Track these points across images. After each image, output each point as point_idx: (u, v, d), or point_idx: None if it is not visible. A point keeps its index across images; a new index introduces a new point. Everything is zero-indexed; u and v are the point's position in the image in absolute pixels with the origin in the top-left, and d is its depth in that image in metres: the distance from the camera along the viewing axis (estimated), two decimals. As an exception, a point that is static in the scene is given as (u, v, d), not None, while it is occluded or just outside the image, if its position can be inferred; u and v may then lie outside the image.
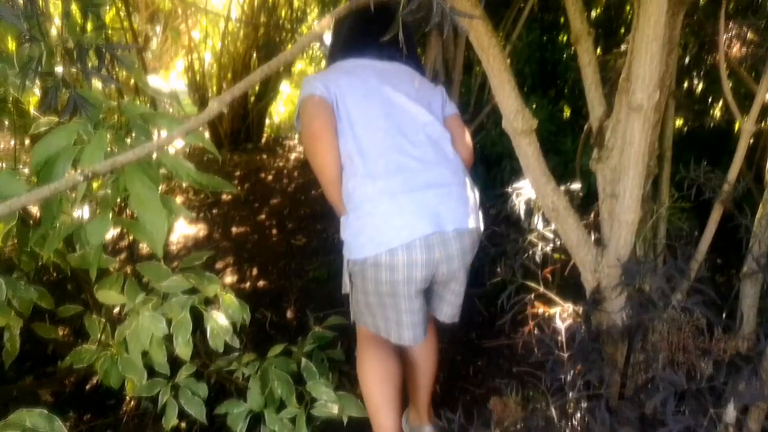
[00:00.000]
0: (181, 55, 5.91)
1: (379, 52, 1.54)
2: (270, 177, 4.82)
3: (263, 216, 3.81)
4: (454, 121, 1.61)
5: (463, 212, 1.44)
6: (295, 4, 5.46)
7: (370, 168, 1.40)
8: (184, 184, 4.47)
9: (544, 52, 3.24)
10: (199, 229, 3.62)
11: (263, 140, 6.34)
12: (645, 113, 1.11)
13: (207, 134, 6.10)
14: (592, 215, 1.44)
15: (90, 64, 0.95)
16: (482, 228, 1.52)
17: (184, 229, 3.60)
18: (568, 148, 3.11)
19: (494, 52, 1.15)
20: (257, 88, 6.05)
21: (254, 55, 5.83)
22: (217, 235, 3.52)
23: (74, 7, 1.14)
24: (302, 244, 3.35)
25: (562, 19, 3.35)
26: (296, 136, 6.66)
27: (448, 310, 1.57)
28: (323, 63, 5.40)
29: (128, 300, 1.45)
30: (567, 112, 3.45)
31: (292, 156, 5.63)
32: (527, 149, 1.24)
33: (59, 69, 1.00)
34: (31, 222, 1.52)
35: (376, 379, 1.58)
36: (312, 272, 2.96)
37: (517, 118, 1.20)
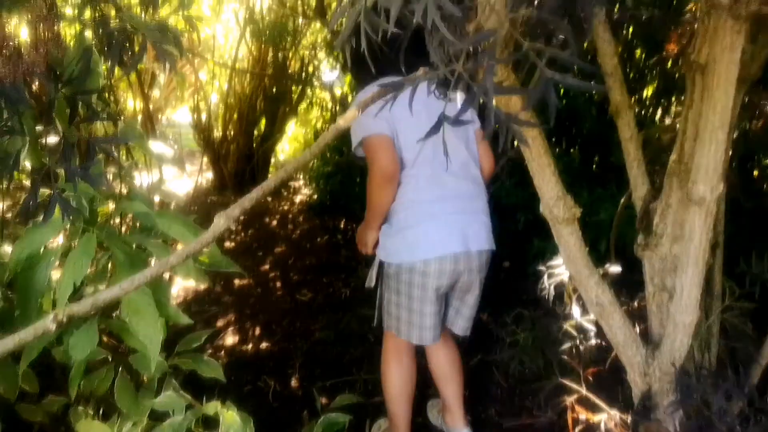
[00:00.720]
0: (187, 96, 5.87)
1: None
2: (274, 222, 4.70)
3: (267, 266, 3.67)
4: (479, 133, 1.81)
5: (484, 236, 1.74)
6: (303, 47, 5.42)
7: (417, 194, 1.66)
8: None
9: (558, 95, 3.15)
10: (200, 281, 3.48)
11: (268, 181, 6.23)
12: (707, 207, 0.98)
13: (211, 175, 6.01)
14: (636, 303, 1.30)
15: (77, 160, 0.83)
16: (494, 247, 1.78)
17: (184, 281, 3.46)
18: (585, 201, 2.98)
19: (534, 134, 1.03)
20: (263, 128, 5.98)
21: (261, 96, 5.79)
22: (219, 287, 3.38)
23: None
24: (307, 299, 3.20)
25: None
26: (301, 177, 6.57)
27: (463, 323, 1.85)
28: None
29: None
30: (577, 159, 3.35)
31: (297, 199, 5.51)
32: (569, 239, 1.11)
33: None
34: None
35: (396, 382, 1.87)
36: (318, 333, 2.80)
37: (558, 205, 1.08)
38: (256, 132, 5.95)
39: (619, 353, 1.18)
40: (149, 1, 1.11)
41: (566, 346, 1.31)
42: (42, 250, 0.89)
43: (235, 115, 5.75)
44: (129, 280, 0.57)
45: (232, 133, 5.82)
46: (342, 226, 4.47)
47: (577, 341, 1.32)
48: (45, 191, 0.82)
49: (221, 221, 0.63)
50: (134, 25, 0.86)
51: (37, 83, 0.83)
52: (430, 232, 1.64)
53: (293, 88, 5.88)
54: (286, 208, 5.15)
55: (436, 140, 1.48)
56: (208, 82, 5.88)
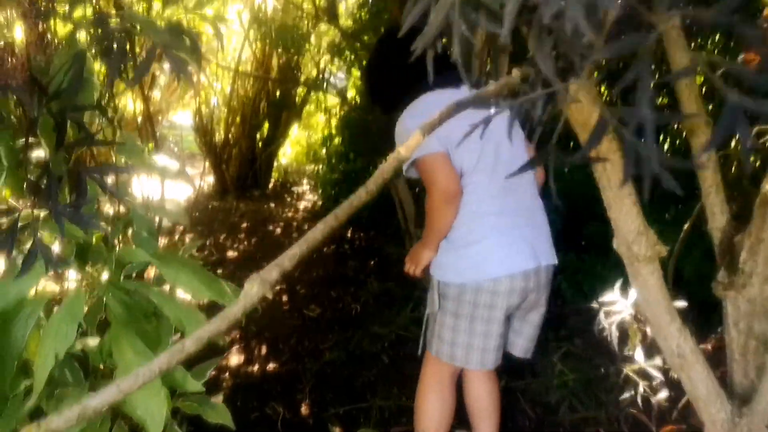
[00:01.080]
0: (188, 99, 5.71)
1: (457, 79, 1.51)
2: (278, 230, 4.53)
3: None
4: (527, 142, 1.69)
5: (550, 249, 1.61)
6: (309, 49, 5.25)
7: (480, 207, 1.52)
8: (187, 238, 4.18)
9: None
10: (202, 294, 3.30)
11: (270, 186, 6.08)
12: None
13: (212, 179, 5.84)
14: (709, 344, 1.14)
15: (67, 196, 0.67)
16: (557, 262, 1.64)
17: (185, 294, 3.29)
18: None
19: (615, 158, 0.87)
20: (266, 132, 5.82)
21: (264, 99, 5.62)
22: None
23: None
24: (316, 315, 3.03)
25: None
26: (304, 182, 6.41)
27: (524, 343, 1.67)
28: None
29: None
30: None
31: (301, 205, 5.35)
32: (649, 279, 0.95)
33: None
34: None
35: (435, 415, 1.69)
36: (328, 353, 2.63)
37: (638, 242, 0.91)
38: (258, 136, 5.79)
39: (699, 409, 1.02)
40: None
41: (629, 394, 1.15)
42: (20, 301, 0.73)
43: (238, 119, 5.59)
44: (132, 376, 0.41)
45: (234, 136, 5.66)
46: (349, 235, 4.30)
47: (643, 388, 1.15)
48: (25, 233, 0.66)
49: (254, 288, 0.47)
50: (139, 25, 0.70)
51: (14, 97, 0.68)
52: (498, 248, 1.50)
53: (298, 91, 5.72)
54: (290, 214, 4.98)
55: (495, 150, 1.53)
56: (210, 84, 5.71)
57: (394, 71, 1.59)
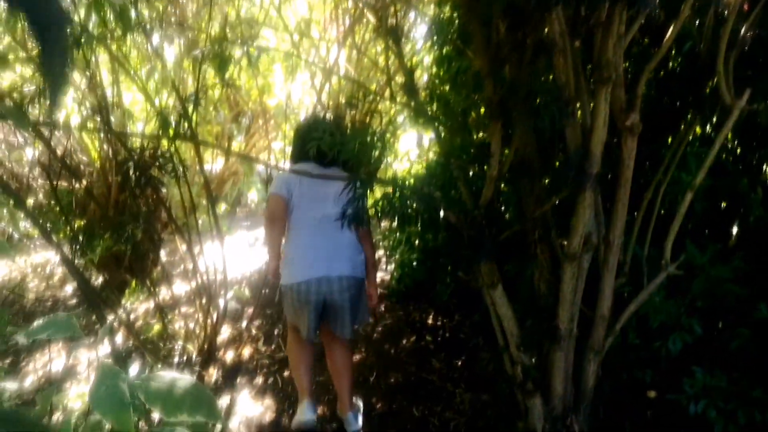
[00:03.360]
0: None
1: (321, 159, 2.41)
2: (352, 313, 4.09)
3: (344, 386, 3.04)
4: (363, 231, 2.56)
5: (344, 266, 2.46)
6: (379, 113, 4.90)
7: (298, 234, 2.51)
8: (253, 330, 3.83)
9: (718, 179, 2.36)
10: (265, 407, 2.90)
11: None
12: None
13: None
14: None
15: None
16: (359, 275, 2.52)
17: (246, 406, 2.89)
18: (763, 315, 2.18)
19: None
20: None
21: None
22: (286, 418, 2.78)
23: None
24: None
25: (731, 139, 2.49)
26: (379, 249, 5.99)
27: (341, 329, 2.54)
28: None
29: None
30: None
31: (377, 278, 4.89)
32: None
33: None
34: None
35: (296, 356, 2.69)
36: None
37: None
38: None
39: None
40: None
41: None
42: None
43: (310, 182, 5.29)
44: None
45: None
46: (430, 321, 3.80)
47: None
48: None
49: None
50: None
51: None
52: (303, 263, 2.46)
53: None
54: (365, 291, 4.54)
55: (315, 201, 2.48)
56: (281, 149, 5.49)
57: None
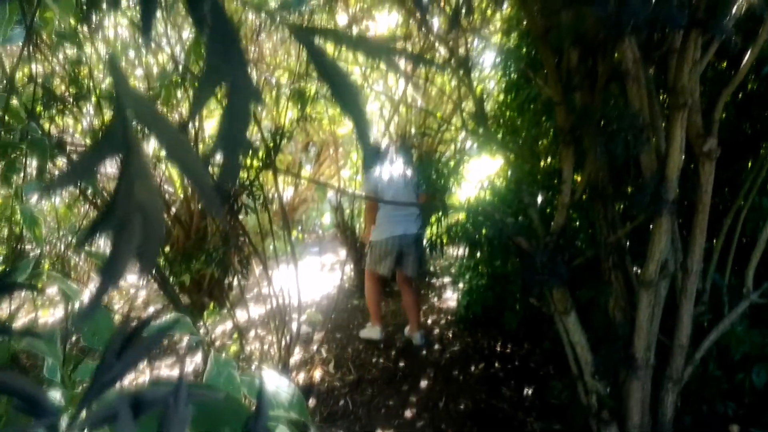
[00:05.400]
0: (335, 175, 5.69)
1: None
2: (420, 338, 4.12)
3: (412, 412, 3.06)
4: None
5: (412, 228, 3.76)
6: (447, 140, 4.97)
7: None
8: (323, 353, 3.93)
9: None
10: (336, 429, 2.96)
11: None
12: None
13: (352, 274, 5.66)
14: None
15: None
16: (417, 232, 3.79)
17: (318, 429, 2.96)
18: None
19: None
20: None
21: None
22: (358, 441, 2.83)
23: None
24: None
25: None
26: (444, 275, 6.01)
27: (409, 270, 3.86)
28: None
29: None
30: None
31: (444, 305, 4.91)
32: None
33: None
34: None
35: (374, 292, 4.06)
36: None
37: None
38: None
39: None
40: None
41: None
42: None
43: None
44: None
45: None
46: (498, 348, 3.77)
47: None
48: None
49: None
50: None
51: None
52: (387, 228, 3.84)
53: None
54: (434, 317, 4.57)
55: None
56: (351, 177, 5.66)
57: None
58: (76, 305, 1.07)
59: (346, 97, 0.34)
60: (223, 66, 0.30)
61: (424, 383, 3.33)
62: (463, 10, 1.95)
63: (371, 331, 4.07)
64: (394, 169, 3.87)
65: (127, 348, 0.34)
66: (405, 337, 4.04)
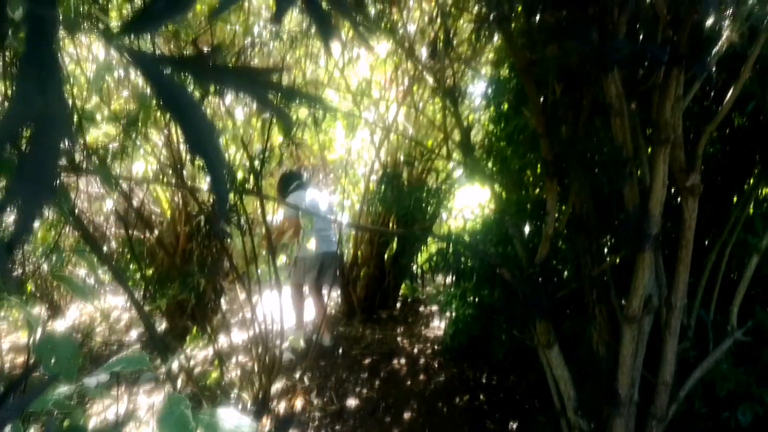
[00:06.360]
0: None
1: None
2: (404, 368, 4.06)
3: (396, 442, 2.99)
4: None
5: (333, 246, 4.52)
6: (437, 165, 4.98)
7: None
8: (306, 380, 3.85)
9: None
10: (316, 460, 2.88)
11: (398, 306, 5.71)
12: None
13: (339, 300, 5.60)
14: None
15: None
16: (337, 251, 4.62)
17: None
18: None
19: None
20: (395, 245, 5.54)
21: (394, 214, 5.38)
22: (337, 473, 2.75)
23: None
24: None
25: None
26: (430, 305, 5.95)
27: (325, 282, 4.48)
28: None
29: None
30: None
31: (430, 334, 4.85)
32: None
33: None
34: None
35: (300, 302, 4.67)
36: None
37: None
38: (387, 253, 5.52)
39: None
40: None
41: None
42: None
43: (367, 236, 5.38)
44: None
45: (363, 256, 5.44)
46: (484, 380, 3.71)
47: None
48: None
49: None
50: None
51: None
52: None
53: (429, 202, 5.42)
54: (419, 347, 4.51)
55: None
56: (339, 201, 5.64)
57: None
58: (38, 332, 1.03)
59: (197, 135, 0.31)
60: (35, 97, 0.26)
61: (407, 415, 3.26)
62: (443, 42, 1.96)
63: (296, 335, 4.49)
64: (317, 195, 4.51)
65: None
66: (318, 341, 4.07)
